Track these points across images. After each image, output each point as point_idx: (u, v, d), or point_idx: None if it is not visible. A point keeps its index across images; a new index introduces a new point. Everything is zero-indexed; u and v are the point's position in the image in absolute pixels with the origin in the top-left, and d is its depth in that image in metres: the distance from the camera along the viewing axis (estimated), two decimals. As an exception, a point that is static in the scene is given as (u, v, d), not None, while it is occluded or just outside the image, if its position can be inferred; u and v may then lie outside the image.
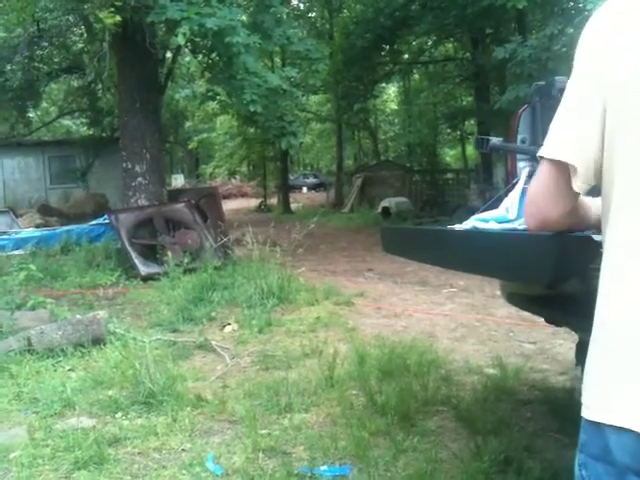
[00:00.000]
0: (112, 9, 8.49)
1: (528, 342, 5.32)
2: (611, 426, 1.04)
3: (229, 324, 6.13)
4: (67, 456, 3.25)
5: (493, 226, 2.22)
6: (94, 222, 12.19)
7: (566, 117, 1.16)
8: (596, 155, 1.12)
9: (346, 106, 23.06)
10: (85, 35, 16.15)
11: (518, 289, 2.85)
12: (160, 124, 12.01)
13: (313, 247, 11.15)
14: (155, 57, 10.87)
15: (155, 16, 8.78)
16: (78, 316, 5.50)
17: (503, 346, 5.23)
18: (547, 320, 3.06)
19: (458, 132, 28.15)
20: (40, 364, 4.76)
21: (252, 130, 21.02)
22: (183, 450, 3.37)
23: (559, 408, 3.60)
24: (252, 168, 36.37)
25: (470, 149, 29.14)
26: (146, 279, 8.90)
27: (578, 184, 1.14)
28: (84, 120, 24.02)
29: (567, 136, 1.15)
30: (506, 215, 2.25)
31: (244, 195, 36.54)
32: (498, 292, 4.15)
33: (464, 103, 26.30)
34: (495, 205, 2.40)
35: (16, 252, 10.51)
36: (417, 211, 19.70)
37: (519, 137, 3.02)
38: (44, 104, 24.79)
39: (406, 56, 23.35)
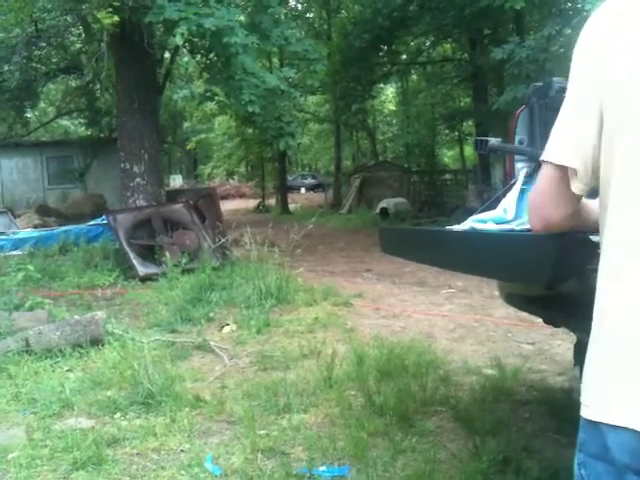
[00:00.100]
0: (110, 9, 8.49)
1: (526, 343, 5.33)
2: (610, 425, 1.04)
3: (227, 325, 6.12)
4: (65, 457, 3.25)
5: (491, 227, 2.23)
6: (92, 222, 12.18)
7: (566, 118, 1.17)
8: (594, 156, 1.12)
9: (344, 107, 23.07)
10: (83, 35, 16.14)
11: (516, 290, 2.86)
12: (158, 124, 12.01)
13: (311, 248, 11.15)
14: (153, 57, 10.87)
15: (153, 16, 8.78)
16: (76, 316, 5.49)
17: (501, 347, 5.23)
18: (545, 321, 3.07)
19: (456, 133, 28.13)
20: (38, 365, 4.75)
21: (250, 131, 21.00)
22: (182, 451, 3.37)
23: (557, 408, 3.60)
24: (250, 169, 36.34)
25: (468, 150, 29.15)
26: (144, 279, 8.89)
27: (577, 185, 1.14)
28: (82, 120, 24.02)
29: (567, 138, 1.16)
30: (504, 216, 2.26)
31: (242, 196, 36.52)
32: (496, 293, 4.16)
33: (462, 104, 26.31)
34: (493, 206, 2.41)
35: (14, 252, 10.49)
36: (415, 212, 19.70)
37: (517, 138, 3.03)
38: (42, 104, 24.78)
39: (404, 57, 23.35)
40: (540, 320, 3.18)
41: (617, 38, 1.08)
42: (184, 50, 12.85)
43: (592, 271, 1.18)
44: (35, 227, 14.32)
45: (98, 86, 16.88)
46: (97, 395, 4.18)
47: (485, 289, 7.46)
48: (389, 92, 34.80)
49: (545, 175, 1.20)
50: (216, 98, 11.90)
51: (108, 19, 8.44)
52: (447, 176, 26.38)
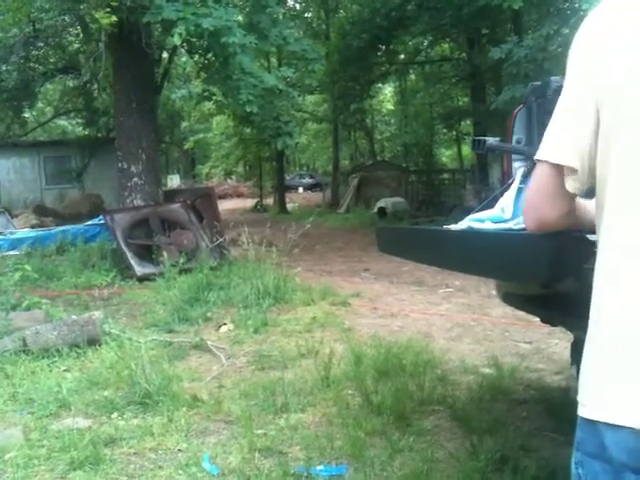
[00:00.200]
0: (108, 9, 8.48)
1: (524, 342, 5.33)
2: (607, 424, 1.04)
3: (225, 324, 6.12)
4: (63, 456, 3.24)
5: (489, 226, 2.22)
6: (89, 222, 12.16)
7: (561, 118, 1.17)
8: (590, 156, 1.12)
9: (342, 106, 23.06)
10: (81, 35, 16.11)
11: (514, 289, 2.86)
12: (156, 124, 11.99)
13: (309, 247, 11.15)
14: (151, 57, 10.85)
15: (151, 16, 8.77)
16: (73, 316, 5.49)
17: (499, 346, 5.24)
18: (542, 320, 3.07)
19: (454, 132, 28.17)
20: (35, 364, 4.75)
21: (248, 130, 20.96)
22: (179, 450, 3.36)
23: (554, 407, 3.60)
24: (248, 168, 36.31)
25: (466, 149, 29.17)
26: (142, 279, 8.89)
27: (572, 185, 1.14)
28: (80, 120, 23.99)
29: (562, 137, 1.16)
30: (502, 215, 2.25)
31: (240, 195, 36.50)
32: (494, 292, 4.16)
33: (460, 103, 26.31)
34: (491, 205, 2.40)
35: (11, 252, 10.48)
36: (413, 211, 19.69)
37: (515, 137, 3.03)
38: (40, 104, 24.76)
39: (402, 56, 23.36)
40: (537, 319, 3.18)
41: (614, 38, 1.08)
42: (182, 50, 12.83)
43: (589, 270, 1.18)
44: (32, 227, 14.30)
45: (96, 86, 16.87)
46: (94, 395, 4.18)
47: (483, 288, 7.46)
48: (387, 92, 34.81)
49: (540, 174, 1.19)
50: (214, 98, 11.88)
51: (106, 19, 8.43)
52: (445, 175, 26.38)
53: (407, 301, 7.37)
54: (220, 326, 6.10)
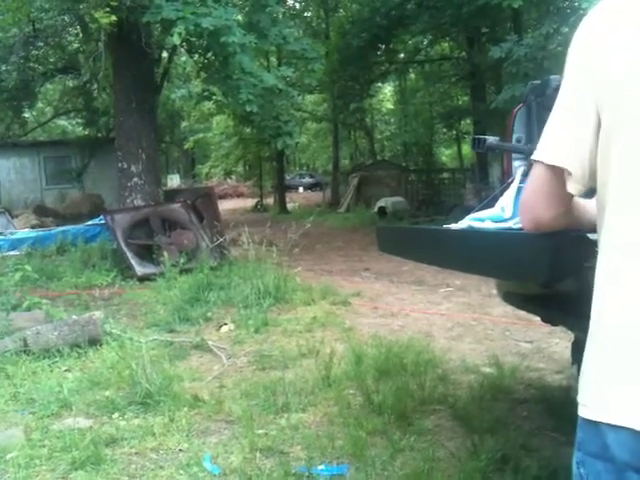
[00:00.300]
0: (108, 9, 8.48)
1: (524, 341, 5.33)
2: (609, 424, 1.04)
3: (225, 324, 6.12)
4: (64, 456, 3.25)
5: (489, 225, 2.22)
6: (90, 222, 12.16)
7: (560, 117, 1.16)
8: (591, 156, 1.11)
9: (342, 106, 23.05)
10: (81, 35, 16.11)
11: (514, 288, 2.86)
12: (156, 124, 11.99)
13: (309, 247, 11.15)
14: (151, 57, 10.84)
15: (151, 16, 8.77)
16: (74, 317, 5.49)
17: (499, 345, 5.24)
18: (543, 319, 3.06)
19: (454, 131, 28.14)
20: (36, 365, 4.75)
21: (248, 130, 20.96)
22: (180, 450, 3.37)
23: (555, 407, 3.60)
24: (248, 168, 36.29)
25: (466, 148, 29.16)
26: (142, 279, 8.89)
27: (573, 186, 1.14)
28: (80, 120, 23.98)
29: (561, 138, 1.15)
30: (502, 214, 2.25)
31: (240, 195, 36.48)
32: (494, 291, 4.16)
33: (460, 102, 26.28)
34: (491, 204, 2.40)
35: (12, 253, 10.48)
36: (413, 210, 19.69)
37: (514, 136, 3.03)
38: (39, 104, 24.74)
39: (402, 55, 23.32)
40: (538, 318, 3.17)
41: (614, 36, 1.07)
42: (182, 50, 12.83)
43: (589, 269, 1.18)
44: (33, 227, 14.30)
45: (95, 86, 16.86)
46: (95, 395, 4.18)
47: (483, 288, 7.46)
48: (387, 91, 34.78)
49: (536, 174, 1.19)
50: (214, 97, 11.88)
51: (106, 19, 8.43)
52: (445, 175, 26.36)
53: (408, 300, 7.37)
54: (221, 326, 6.10)
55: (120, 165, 10.72)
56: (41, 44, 16.62)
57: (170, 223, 9.88)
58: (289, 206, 26.56)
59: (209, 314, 6.48)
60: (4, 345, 4.96)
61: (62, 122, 28.17)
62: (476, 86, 19.44)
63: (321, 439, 3.38)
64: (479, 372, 4.45)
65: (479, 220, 2.29)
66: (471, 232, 2.23)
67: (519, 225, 2.00)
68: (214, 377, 4.59)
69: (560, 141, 1.15)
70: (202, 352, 5.29)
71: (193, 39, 10.10)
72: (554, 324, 3.19)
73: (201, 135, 33.72)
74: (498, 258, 1.87)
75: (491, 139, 2.87)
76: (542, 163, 1.16)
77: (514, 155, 3.06)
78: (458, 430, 3.49)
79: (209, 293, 7.11)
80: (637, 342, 1.01)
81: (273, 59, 22.78)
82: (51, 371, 4.68)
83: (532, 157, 1.19)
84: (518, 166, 2.88)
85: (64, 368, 4.78)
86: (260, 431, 3.52)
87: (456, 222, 2.43)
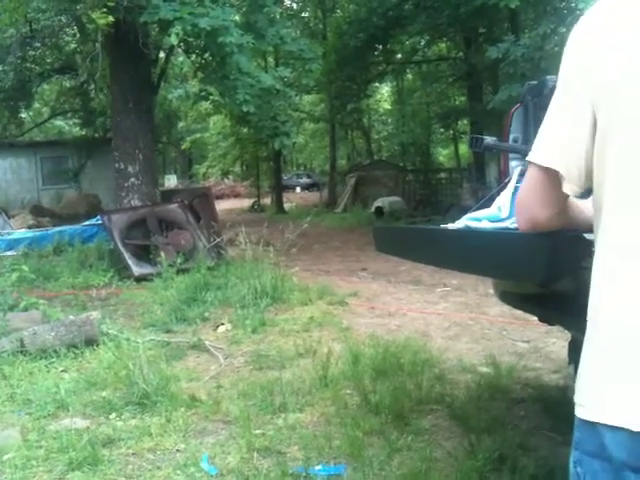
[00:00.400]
0: (105, 9, 8.46)
1: (521, 340, 5.34)
2: (606, 425, 1.04)
3: (222, 324, 6.12)
4: (61, 457, 3.24)
5: (486, 225, 2.22)
6: (87, 223, 12.16)
7: (555, 117, 1.16)
8: (587, 156, 1.11)
9: (339, 106, 23.05)
10: (78, 35, 16.09)
11: (511, 288, 2.86)
12: (153, 124, 11.98)
13: (306, 247, 11.15)
14: (148, 57, 10.84)
15: (148, 16, 8.76)
16: (71, 317, 5.48)
17: (496, 345, 5.24)
18: (540, 319, 3.07)
19: (451, 131, 28.17)
20: (33, 365, 4.74)
21: (245, 130, 20.99)
22: (177, 450, 3.36)
23: (552, 406, 3.61)
24: (245, 168, 36.29)
25: (463, 148, 29.18)
26: (139, 280, 8.88)
27: (568, 186, 1.14)
28: (76, 121, 23.96)
29: (556, 139, 1.15)
30: (499, 214, 2.25)
31: (237, 195, 36.49)
32: (491, 291, 4.16)
33: (457, 103, 26.32)
34: (488, 204, 2.41)
35: (8, 253, 10.48)
36: (410, 210, 19.71)
37: (511, 136, 3.03)
38: (36, 105, 24.68)
39: (399, 56, 23.35)
40: (535, 318, 3.18)
41: (610, 37, 1.07)
42: (179, 50, 12.83)
43: (586, 269, 1.18)
44: (29, 227, 14.29)
45: (93, 86, 16.83)
46: (92, 395, 4.17)
47: (480, 287, 7.47)
48: (384, 91, 34.83)
49: (531, 175, 1.19)
50: (211, 98, 11.89)
51: (103, 19, 8.41)
52: (442, 175, 26.42)
53: (405, 300, 7.37)
54: (218, 326, 6.10)
55: (117, 165, 10.72)
56: (38, 44, 16.57)
57: (167, 223, 9.88)
58: (286, 206, 26.58)
59: (206, 314, 6.48)
60: (1, 345, 4.95)
61: (59, 122, 28.12)
62: (473, 86, 19.47)
63: (318, 439, 3.38)
64: (476, 372, 4.45)
65: (476, 220, 2.29)
66: (468, 232, 2.23)
67: (516, 225, 2.01)
68: (211, 377, 4.59)
69: (555, 142, 1.15)
70: (199, 352, 5.28)
71: (190, 39, 10.10)
72: (551, 324, 3.20)
73: (198, 135, 33.74)
74: (495, 258, 1.87)
75: (489, 139, 2.87)
76: (536, 164, 1.16)
77: (511, 155, 3.07)
78: (455, 430, 3.49)
79: (206, 293, 7.11)
80: (633, 340, 1.01)
81: (270, 59, 22.80)
82: (48, 371, 4.68)
83: (527, 158, 1.19)
84: (515, 166, 2.87)
85: (61, 369, 4.77)
86: (257, 431, 3.52)
87: (453, 222, 2.43)
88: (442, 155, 36.91)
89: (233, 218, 17.40)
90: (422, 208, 20.40)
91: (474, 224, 2.27)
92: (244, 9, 12.02)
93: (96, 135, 21.00)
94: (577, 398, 1.11)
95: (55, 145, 22.12)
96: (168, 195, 12.16)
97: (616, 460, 1.03)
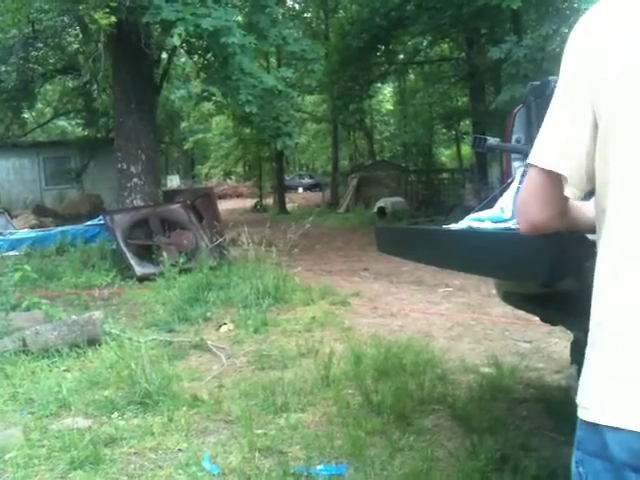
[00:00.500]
0: (107, 10, 8.47)
1: (523, 341, 5.33)
2: (607, 425, 1.04)
3: (225, 324, 6.12)
4: (63, 456, 3.24)
5: (488, 225, 2.23)
6: (89, 223, 12.17)
7: (555, 119, 1.15)
8: (588, 157, 1.11)
9: (342, 106, 23.03)
10: (80, 36, 16.12)
11: (513, 288, 2.86)
12: (155, 125, 11.99)
13: (309, 247, 11.14)
14: (150, 58, 10.85)
15: (150, 17, 8.77)
16: (73, 317, 5.49)
17: (499, 345, 5.24)
18: (542, 319, 3.07)
19: (453, 132, 28.18)
20: (35, 365, 4.75)
21: (247, 131, 21.00)
22: (179, 450, 3.37)
23: (554, 406, 3.60)
24: (248, 168, 36.29)
25: (465, 149, 29.18)
26: (142, 279, 8.89)
27: (569, 189, 1.13)
28: (79, 121, 24.00)
29: (556, 140, 1.14)
30: (501, 214, 2.26)
31: (240, 195, 36.50)
32: (493, 291, 4.16)
33: (459, 103, 26.31)
34: (490, 205, 2.41)
35: (11, 253, 10.48)
36: (413, 211, 19.70)
37: (514, 137, 3.04)
38: (39, 105, 24.73)
39: (401, 56, 23.36)
40: (537, 318, 3.18)
41: (609, 35, 1.07)
42: (181, 50, 12.82)
43: (589, 269, 1.18)
44: (32, 227, 14.31)
45: (95, 87, 16.86)
46: (94, 395, 4.18)
47: (482, 288, 7.46)
48: (386, 92, 34.80)
49: (531, 177, 1.19)
50: (213, 98, 11.89)
51: (105, 20, 8.43)
52: (444, 175, 26.39)
53: (407, 300, 7.37)
54: (220, 326, 6.10)
55: (119, 166, 10.73)
56: (41, 45, 16.63)
57: (169, 223, 9.88)
58: (288, 206, 26.57)
59: (208, 314, 6.48)
60: (3, 345, 4.96)
61: (62, 123, 28.18)
62: (475, 87, 19.45)
63: (320, 439, 3.38)
64: (478, 372, 4.45)
65: (479, 220, 2.30)
66: (471, 232, 2.24)
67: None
68: (213, 377, 4.59)
69: (555, 144, 1.14)
70: (201, 352, 5.29)
71: (193, 40, 10.12)
72: (553, 324, 3.20)
73: (201, 136, 33.76)
74: (498, 258, 1.88)
75: (492, 139, 2.88)
76: (535, 167, 1.16)
77: (513, 155, 3.07)
78: (457, 430, 3.49)
79: (208, 293, 7.11)
80: (636, 340, 1.01)
81: (273, 60, 22.80)
82: (50, 371, 4.68)
83: (527, 160, 1.19)
84: (517, 166, 2.88)
85: (63, 368, 4.77)
86: (259, 431, 3.52)
87: (456, 222, 2.44)
88: (444, 156, 36.88)
89: (235, 218, 17.39)
90: (424, 209, 20.39)
91: (477, 225, 2.27)
92: (246, 10, 12.02)
93: (98, 135, 21.04)
94: (580, 400, 1.11)
95: (58, 145, 22.17)
96: (171, 195, 12.17)
97: (617, 460, 1.03)
